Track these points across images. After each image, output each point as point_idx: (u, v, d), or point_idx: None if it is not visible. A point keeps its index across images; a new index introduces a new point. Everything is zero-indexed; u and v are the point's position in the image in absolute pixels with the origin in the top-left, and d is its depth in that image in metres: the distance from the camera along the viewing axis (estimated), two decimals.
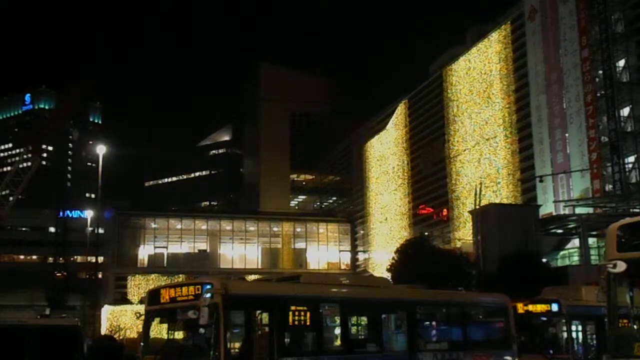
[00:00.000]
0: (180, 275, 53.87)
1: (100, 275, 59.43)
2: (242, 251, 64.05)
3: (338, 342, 15.47)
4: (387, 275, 35.05)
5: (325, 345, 14.89)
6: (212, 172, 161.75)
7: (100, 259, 56.64)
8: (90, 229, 58.06)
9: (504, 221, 37.62)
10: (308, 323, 14.49)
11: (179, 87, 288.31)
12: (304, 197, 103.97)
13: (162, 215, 65.39)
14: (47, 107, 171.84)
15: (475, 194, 42.18)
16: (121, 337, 42.67)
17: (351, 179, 75.79)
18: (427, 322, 17.86)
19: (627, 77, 38.36)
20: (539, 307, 20.58)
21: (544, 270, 32.71)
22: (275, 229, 66.23)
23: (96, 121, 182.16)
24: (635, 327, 9.29)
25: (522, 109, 46.67)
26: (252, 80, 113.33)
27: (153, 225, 62.63)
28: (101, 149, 44.47)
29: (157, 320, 14.11)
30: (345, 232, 68.89)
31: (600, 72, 38.82)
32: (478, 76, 51.10)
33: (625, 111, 38.16)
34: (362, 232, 69.21)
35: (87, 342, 29.63)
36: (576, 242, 40.36)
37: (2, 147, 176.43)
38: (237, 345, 13.31)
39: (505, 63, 48.37)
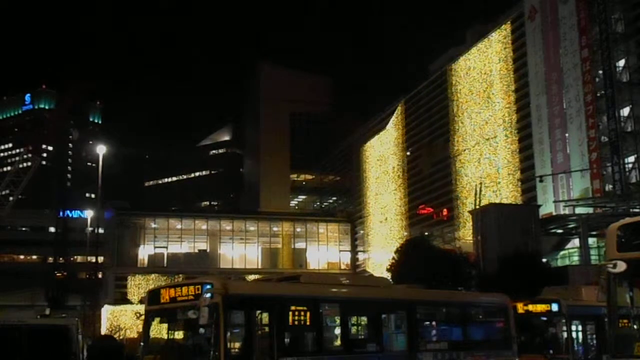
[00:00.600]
0: (180, 275, 53.89)
1: (100, 275, 59.39)
2: (242, 251, 64.04)
3: (338, 342, 15.47)
4: (387, 275, 35.01)
5: (325, 345, 14.88)
6: (212, 172, 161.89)
7: (100, 259, 56.60)
8: (90, 229, 58.07)
9: (504, 221, 37.60)
10: (308, 323, 14.49)
11: (179, 87, 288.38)
12: (304, 197, 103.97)
13: (162, 215, 65.37)
14: (47, 107, 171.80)
15: (475, 194, 42.17)
16: (121, 337, 42.67)
17: (351, 179, 75.79)
18: (427, 322, 17.85)
19: (627, 77, 38.35)
20: (539, 307, 20.57)
21: (544, 270, 32.67)
22: (275, 229, 66.22)
23: (96, 121, 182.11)
24: (635, 327, 9.28)
25: (522, 109, 46.67)
26: (252, 80, 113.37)
27: (153, 225, 62.61)
28: (101, 149, 44.46)
29: (157, 320, 14.10)
30: (345, 232, 68.86)
31: (600, 72, 38.79)
32: (478, 76, 51.11)
33: (625, 111, 38.14)
34: (362, 232, 69.20)
35: (87, 342, 29.63)
36: (576, 242, 40.36)
37: (2, 147, 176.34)
38: (237, 345, 13.31)
39: (505, 63, 48.36)
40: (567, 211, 39.78)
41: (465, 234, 47.99)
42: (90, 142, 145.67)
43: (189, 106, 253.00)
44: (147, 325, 14.19)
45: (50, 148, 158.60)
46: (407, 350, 16.32)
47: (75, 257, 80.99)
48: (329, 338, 15.45)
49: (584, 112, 39.71)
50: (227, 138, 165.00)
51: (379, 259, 60.96)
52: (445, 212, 54.58)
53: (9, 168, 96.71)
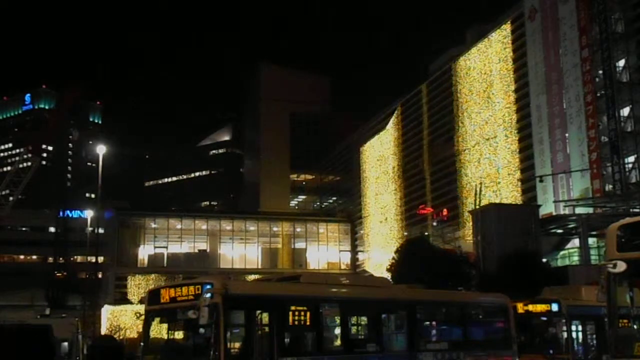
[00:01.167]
0: (180, 275, 53.86)
1: (100, 275, 59.39)
2: (242, 251, 64.03)
3: (338, 342, 15.47)
4: (387, 275, 35.02)
5: (325, 345, 14.88)
6: (212, 172, 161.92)
7: (100, 259, 56.56)
8: (90, 229, 58.02)
9: (504, 221, 37.57)
10: (308, 323, 14.49)
11: (179, 87, 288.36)
12: (304, 197, 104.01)
13: (162, 215, 65.39)
14: (47, 107, 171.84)
15: (475, 194, 42.17)
16: (121, 337, 42.69)
17: (351, 179, 75.79)
18: (427, 322, 17.86)
19: (627, 77, 38.33)
20: (539, 307, 20.58)
21: (544, 270, 32.69)
22: (275, 228, 66.22)
23: (96, 121, 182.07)
24: (635, 327, 9.28)
25: (522, 109, 46.65)
26: (252, 80, 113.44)
27: (153, 225, 62.61)
28: (101, 149, 44.39)
29: (157, 320, 14.10)
30: (345, 232, 68.86)
31: (600, 72, 38.77)
32: (478, 76, 51.11)
33: (625, 111, 38.13)
34: (362, 232, 69.20)
35: (87, 342, 29.66)
36: (576, 242, 40.34)
37: (2, 147, 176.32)
38: (237, 345, 13.31)
39: (505, 63, 48.35)
40: (567, 211, 39.76)
41: (466, 234, 47.99)
42: (90, 142, 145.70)
43: (189, 106, 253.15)
44: (147, 325, 14.19)
45: (50, 148, 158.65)
46: (407, 350, 16.32)
47: (75, 257, 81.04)
48: (329, 338, 15.44)
49: (584, 112, 39.70)
50: (227, 138, 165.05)
51: (379, 259, 60.95)
52: (445, 212, 54.58)
53: (9, 168, 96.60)
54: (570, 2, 41.48)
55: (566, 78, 41.52)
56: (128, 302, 55.16)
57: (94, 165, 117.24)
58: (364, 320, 16.75)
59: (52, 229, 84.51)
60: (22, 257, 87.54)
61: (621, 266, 8.89)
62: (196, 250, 63.10)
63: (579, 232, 38.32)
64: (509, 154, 47.36)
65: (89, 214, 59.96)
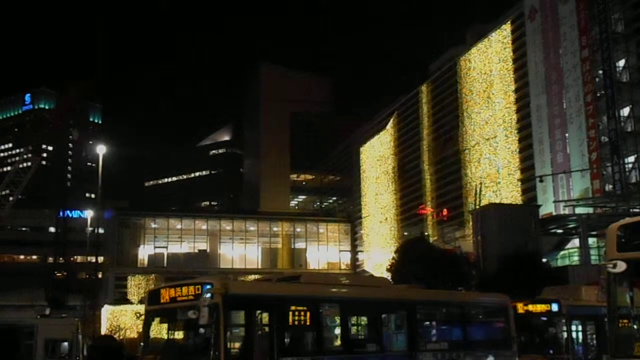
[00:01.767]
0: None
1: (100, 275, 59.39)
2: (242, 251, 64.05)
3: (338, 342, 15.47)
4: (387, 275, 35.03)
5: (325, 345, 14.88)
6: (212, 172, 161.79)
7: (100, 259, 56.60)
8: (90, 229, 58.07)
9: (504, 221, 37.56)
10: (308, 323, 14.50)
11: (179, 87, 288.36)
12: (304, 197, 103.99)
13: (162, 215, 65.39)
14: (47, 107, 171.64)
15: (475, 194, 42.19)
16: (121, 337, 42.69)
17: (351, 179, 75.79)
18: (427, 322, 17.87)
19: (627, 77, 38.34)
20: (539, 307, 20.58)
21: (544, 270, 32.69)
22: (275, 228, 66.22)
23: (96, 121, 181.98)
24: (635, 327, 9.28)
25: (522, 109, 46.65)
26: (252, 80, 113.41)
27: (153, 225, 62.63)
28: (101, 149, 44.43)
29: (157, 320, 14.11)
30: (345, 232, 68.90)
31: (600, 72, 38.79)
32: (478, 76, 51.11)
33: (625, 111, 38.14)
34: (362, 232, 69.20)
35: (87, 342, 29.64)
36: (576, 242, 40.33)
37: (2, 147, 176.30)
38: (237, 345, 13.31)
39: (505, 63, 48.34)
40: (567, 211, 39.76)
41: (466, 234, 47.99)
42: (90, 142, 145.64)
43: (189, 106, 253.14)
44: (147, 325, 14.19)
45: (50, 148, 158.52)
46: (407, 350, 16.32)
47: (75, 257, 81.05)
48: (329, 338, 15.45)
49: (584, 112, 39.70)
50: (227, 138, 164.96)
51: (378, 259, 60.96)
52: (445, 212, 54.59)
53: (9, 168, 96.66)
54: (570, 2, 41.49)
55: (566, 78, 41.53)
56: (128, 302, 55.16)
57: (94, 165, 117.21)
58: (364, 320, 16.76)
59: (52, 229, 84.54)
60: (22, 257, 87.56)
61: (621, 266, 8.88)
62: (196, 250, 63.11)
63: (579, 232, 38.31)
64: (509, 154, 47.35)
65: (89, 214, 60.03)
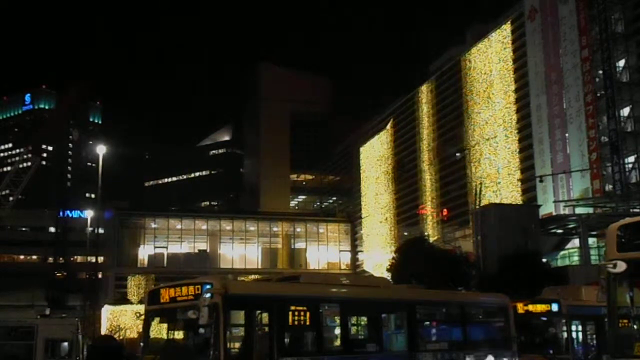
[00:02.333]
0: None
1: (100, 275, 59.37)
2: (242, 251, 64.04)
3: (338, 342, 15.45)
4: (387, 275, 35.04)
5: (325, 345, 14.87)
6: (212, 172, 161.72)
7: (100, 259, 56.57)
8: (90, 229, 58.02)
9: (504, 221, 37.58)
10: (308, 323, 14.48)
11: (179, 87, 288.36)
12: (304, 197, 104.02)
13: (162, 215, 65.39)
14: (47, 107, 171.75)
15: (475, 194, 42.17)
16: (121, 337, 42.65)
17: (351, 179, 75.78)
18: (427, 322, 17.86)
19: (627, 77, 38.36)
20: (539, 307, 20.58)
21: (544, 270, 32.68)
22: (275, 228, 66.22)
23: (96, 121, 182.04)
24: (635, 327, 9.27)
25: (522, 109, 46.65)
26: (252, 80, 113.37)
27: (153, 225, 62.63)
28: (101, 149, 44.41)
29: (157, 320, 14.09)
30: (345, 232, 68.86)
31: (600, 72, 38.79)
32: (478, 76, 51.11)
33: (625, 111, 38.15)
34: (362, 232, 69.19)
35: (87, 342, 29.64)
36: (576, 242, 40.35)
37: (2, 147, 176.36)
38: (237, 345, 13.31)
39: (505, 63, 48.35)
40: (567, 211, 39.77)
41: (465, 234, 47.97)
42: (90, 142, 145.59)
43: (189, 106, 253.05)
44: (147, 325, 14.19)
45: (50, 148, 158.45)
46: (407, 350, 16.30)
47: (75, 257, 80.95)
48: (329, 338, 15.43)
49: (584, 112, 39.70)
50: (227, 138, 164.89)
51: (378, 259, 60.97)
52: (445, 212, 54.58)
53: (9, 168, 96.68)
54: (570, 2, 41.49)
55: (566, 78, 41.53)
56: (128, 302, 55.11)
57: (94, 165, 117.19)
58: (363, 320, 16.75)
59: (52, 229, 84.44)
60: (22, 257, 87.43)
61: (621, 266, 8.87)
62: (196, 251, 63.10)
63: (578, 232, 38.33)
64: (509, 154, 47.36)
65: (89, 214, 59.96)
